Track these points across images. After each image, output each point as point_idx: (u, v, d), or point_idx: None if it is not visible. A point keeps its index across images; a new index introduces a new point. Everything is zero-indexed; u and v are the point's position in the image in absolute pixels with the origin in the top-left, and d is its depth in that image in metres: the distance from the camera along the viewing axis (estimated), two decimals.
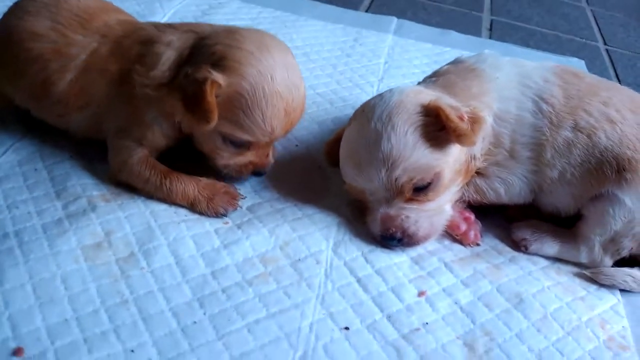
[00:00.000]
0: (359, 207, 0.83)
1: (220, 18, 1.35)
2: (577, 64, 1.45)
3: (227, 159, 0.82)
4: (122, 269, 0.70)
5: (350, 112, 1.07)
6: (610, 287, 0.80)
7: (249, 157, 0.82)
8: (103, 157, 0.84)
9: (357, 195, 0.81)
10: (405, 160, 0.73)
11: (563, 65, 0.88)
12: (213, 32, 0.79)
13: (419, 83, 0.89)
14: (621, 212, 0.76)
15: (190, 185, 0.80)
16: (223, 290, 0.70)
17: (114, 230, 0.74)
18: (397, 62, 1.31)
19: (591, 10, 1.90)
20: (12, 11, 0.89)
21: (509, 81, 0.82)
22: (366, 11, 1.58)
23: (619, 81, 1.44)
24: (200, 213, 0.79)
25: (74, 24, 0.83)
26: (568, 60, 1.46)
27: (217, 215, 0.80)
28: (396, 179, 0.74)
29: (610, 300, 0.78)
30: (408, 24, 1.51)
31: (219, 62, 0.73)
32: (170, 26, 0.82)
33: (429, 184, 0.75)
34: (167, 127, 0.81)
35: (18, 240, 0.71)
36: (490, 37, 1.56)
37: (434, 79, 0.86)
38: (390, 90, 0.80)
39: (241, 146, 0.80)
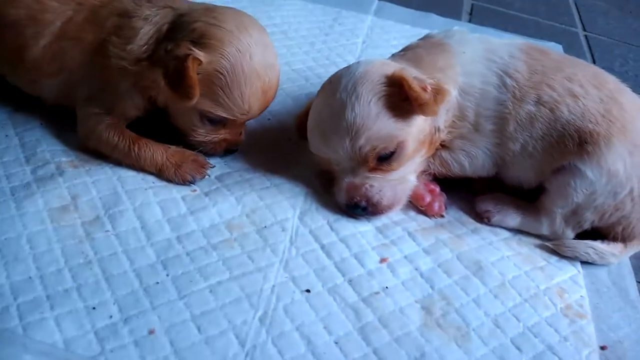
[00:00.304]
0: (327, 178, 0.84)
1: None
2: (554, 48, 1.47)
3: (202, 136, 0.83)
4: (87, 231, 0.71)
5: None
6: (571, 258, 0.82)
7: (223, 134, 0.83)
8: (73, 125, 0.85)
9: (324, 166, 0.83)
10: (368, 129, 0.75)
11: (531, 43, 0.89)
12: (191, 9, 0.79)
13: (389, 58, 0.90)
14: (583, 184, 0.78)
15: (159, 152, 0.81)
16: (187, 254, 0.71)
17: (80, 195, 0.75)
18: (375, 42, 1.32)
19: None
20: None
21: (475, 56, 0.84)
22: None
23: (595, 64, 1.46)
24: (168, 180, 0.80)
25: None
26: (545, 45, 1.47)
27: (185, 182, 0.81)
28: (360, 148, 0.75)
29: (570, 271, 0.80)
30: (389, 5, 1.51)
31: (200, 40, 0.74)
32: (147, 0, 0.82)
33: (392, 153, 0.77)
34: (139, 99, 0.81)
35: None
36: (470, 21, 1.57)
37: (402, 52, 0.88)
38: (358, 62, 0.82)
39: (217, 123, 0.81)
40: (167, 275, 0.68)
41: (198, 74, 0.74)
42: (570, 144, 0.78)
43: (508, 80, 0.81)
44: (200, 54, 0.73)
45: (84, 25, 0.82)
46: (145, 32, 0.78)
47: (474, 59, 0.83)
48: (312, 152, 0.83)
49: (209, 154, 0.86)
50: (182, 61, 0.73)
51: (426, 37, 0.90)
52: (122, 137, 0.80)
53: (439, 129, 0.82)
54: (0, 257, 0.65)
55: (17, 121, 0.87)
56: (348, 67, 0.81)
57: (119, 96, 0.81)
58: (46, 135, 0.85)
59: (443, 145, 0.84)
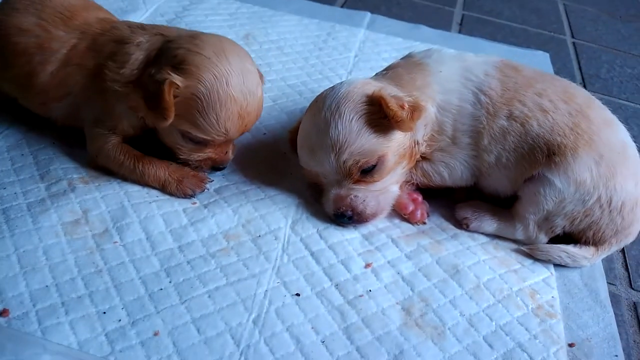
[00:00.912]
0: (316, 189, 0.91)
1: (199, 13, 1.42)
2: (542, 57, 1.53)
3: (187, 154, 0.89)
4: (97, 242, 0.78)
5: None
6: (545, 262, 0.88)
7: (207, 153, 0.89)
8: (82, 144, 0.92)
9: (312, 179, 0.90)
10: (351, 145, 0.81)
11: (506, 59, 0.95)
12: (178, 36, 0.86)
13: (372, 77, 0.97)
14: (552, 192, 0.84)
15: (161, 169, 0.88)
16: (188, 262, 0.78)
17: (90, 209, 0.83)
18: (366, 56, 1.38)
19: (564, 4, 1.97)
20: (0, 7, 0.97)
21: (452, 75, 0.90)
22: (342, 7, 1.65)
23: (581, 72, 1.52)
24: (170, 194, 0.88)
25: (57, 20, 0.91)
26: (533, 53, 1.54)
27: (186, 196, 0.88)
28: (344, 162, 0.82)
29: (543, 273, 0.87)
30: (381, 19, 1.58)
31: (179, 65, 0.81)
32: (142, 27, 0.90)
33: (374, 166, 0.83)
34: (134, 119, 0.88)
35: (5, 217, 0.79)
36: (459, 32, 1.63)
37: (384, 72, 0.94)
38: (342, 82, 0.88)
39: (199, 143, 0.87)
40: (170, 282, 0.75)
41: (176, 97, 0.80)
42: (540, 156, 0.84)
43: (482, 98, 0.88)
44: (178, 79, 0.79)
45: (86, 52, 0.90)
46: (136, 57, 0.85)
47: (451, 78, 0.90)
48: (302, 166, 0.89)
49: (197, 170, 0.92)
50: (159, 84, 0.79)
51: (407, 57, 0.97)
52: (127, 156, 0.88)
53: (418, 143, 0.88)
54: (19, 267, 0.73)
55: (30, 140, 0.94)
56: (332, 88, 0.88)
57: (117, 116, 0.88)
58: (58, 154, 0.92)
59: (424, 157, 0.91)
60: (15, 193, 0.83)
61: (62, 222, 0.80)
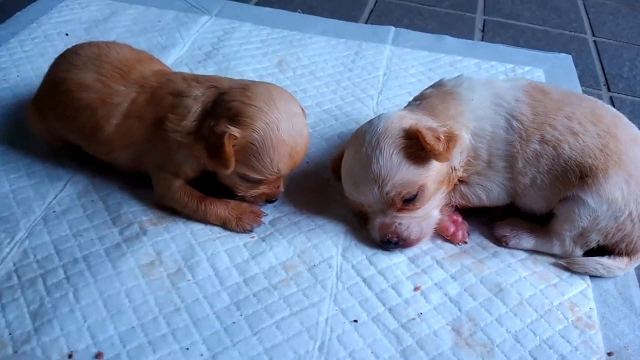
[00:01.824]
0: (362, 216, 0.98)
1: (234, 43, 1.49)
2: (565, 59, 1.57)
3: (244, 192, 0.97)
4: (172, 282, 0.86)
5: (353, 126, 1.22)
6: (582, 274, 0.94)
7: (262, 189, 0.97)
8: (146, 186, 1.00)
9: (357, 208, 0.97)
10: (392, 178, 0.88)
11: (534, 82, 1.01)
12: (230, 87, 0.93)
13: (405, 107, 1.03)
14: (586, 211, 0.90)
15: (222, 207, 0.96)
16: (254, 295, 0.86)
17: (162, 250, 0.91)
18: (394, 73, 1.44)
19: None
20: (58, 64, 1.06)
21: (484, 102, 0.96)
22: (366, 22, 1.70)
23: (604, 73, 1.55)
24: (231, 230, 0.96)
25: (115, 75, 0.99)
26: (555, 57, 1.58)
27: (245, 231, 0.96)
28: (387, 194, 0.89)
29: (580, 285, 0.92)
30: (404, 32, 1.63)
31: (235, 117, 0.88)
32: (196, 80, 0.97)
33: (415, 195, 0.90)
34: (195, 164, 0.96)
35: (86, 264, 0.87)
36: (482, 38, 1.68)
37: (418, 102, 1.00)
38: (379, 117, 0.95)
39: (254, 182, 0.95)
40: (241, 315, 0.83)
41: (234, 146, 0.88)
42: (573, 178, 0.90)
43: (514, 123, 0.93)
44: (235, 130, 0.87)
45: (145, 105, 0.97)
46: (194, 110, 0.93)
47: (483, 105, 0.96)
48: (347, 197, 0.96)
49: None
50: (220, 137, 0.87)
51: (438, 85, 1.02)
52: (190, 197, 0.96)
53: (455, 169, 0.95)
54: (106, 311, 0.81)
55: (98, 186, 1.02)
56: (371, 123, 0.94)
57: (178, 163, 0.96)
58: (125, 197, 1.00)
59: (462, 181, 0.97)
60: (91, 239, 0.92)
61: (139, 265, 0.88)
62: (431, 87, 1.04)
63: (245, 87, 0.93)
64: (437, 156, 0.87)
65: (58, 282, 0.85)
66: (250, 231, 0.96)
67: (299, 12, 1.70)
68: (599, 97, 1.45)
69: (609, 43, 1.71)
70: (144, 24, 1.55)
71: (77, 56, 1.04)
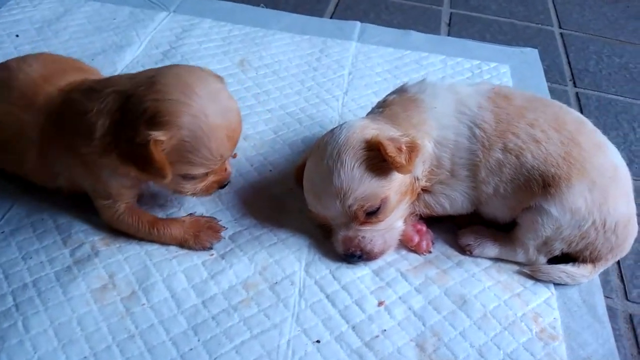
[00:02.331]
0: (325, 228, 0.96)
1: (193, 42, 1.44)
2: (531, 54, 1.56)
3: (192, 189, 0.89)
4: (126, 306, 0.83)
5: (317, 130, 1.20)
6: (546, 282, 0.93)
7: (210, 179, 0.90)
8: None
9: (321, 221, 0.94)
10: (354, 191, 0.86)
11: (497, 87, 0.98)
12: (135, 85, 0.81)
13: (368, 114, 1.01)
14: (549, 221, 0.89)
15: (176, 228, 0.92)
16: (213, 318, 0.83)
17: (116, 272, 0.87)
18: (360, 72, 1.41)
19: None
20: None
21: (446, 109, 0.93)
22: (331, 16, 1.66)
23: (570, 67, 1.55)
24: (189, 249, 0.92)
25: (22, 103, 0.90)
26: (522, 51, 1.56)
27: (205, 249, 0.92)
28: (349, 207, 0.87)
29: (545, 294, 0.92)
30: (370, 27, 1.59)
31: (154, 120, 0.78)
32: (92, 89, 0.85)
33: (378, 208, 0.88)
34: (126, 182, 0.89)
35: (36, 290, 0.83)
36: (448, 33, 1.65)
37: (381, 109, 0.97)
38: (340, 126, 0.92)
39: (200, 177, 0.88)
40: (199, 340, 0.80)
41: (163, 150, 0.79)
42: (536, 188, 0.89)
43: (477, 131, 0.91)
44: (159, 134, 0.77)
45: (56, 132, 0.88)
46: (100, 125, 0.81)
47: (446, 112, 0.93)
48: (310, 210, 0.94)
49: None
50: (144, 147, 0.77)
51: (401, 92, 0.99)
52: (140, 222, 0.91)
53: (418, 179, 0.92)
54: (57, 340, 0.78)
55: (48, 203, 0.97)
56: (332, 133, 0.91)
57: (109, 185, 0.89)
58: (76, 215, 0.96)
59: (425, 190, 0.95)
60: (41, 262, 0.88)
61: (91, 290, 0.84)
62: (394, 92, 1.02)
63: (151, 81, 0.81)
64: (399, 169, 0.85)
65: (6, 310, 0.81)
66: (210, 248, 0.93)
67: (262, 7, 1.65)
68: (565, 93, 1.44)
69: (576, 35, 1.71)
70: (99, 22, 1.48)
71: None
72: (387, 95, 1.03)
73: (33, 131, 0.89)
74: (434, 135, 0.92)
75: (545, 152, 0.89)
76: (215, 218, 0.97)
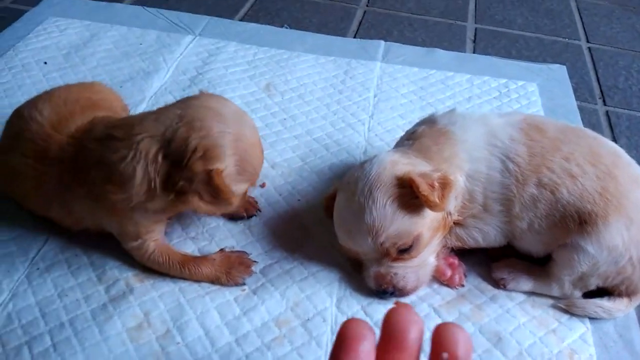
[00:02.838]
0: (356, 262, 0.95)
1: (219, 66, 1.44)
2: (559, 71, 1.53)
3: (237, 203, 0.93)
4: (161, 345, 0.84)
5: (344, 156, 1.20)
6: (581, 316, 0.92)
7: (245, 194, 0.96)
8: None
9: (352, 255, 0.94)
10: (386, 229, 0.85)
11: (529, 117, 0.97)
12: (167, 128, 0.83)
13: (396, 144, 1.00)
14: (585, 258, 0.87)
15: (207, 266, 0.92)
16: (246, 356, 0.83)
17: (150, 310, 0.88)
18: (385, 94, 1.40)
19: (575, 1, 1.94)
20: None
21: (478, 142, 0.93)
22: (355, 35, 1.66)
23: (599, 84, 1.52)
24: (222, 285, 0.93)
25: (36, 155, 0.91)
26: (549, 68, 1.54)
27: (237, 284, 0.93)
28: (381, 244, 0.86)
29: (580, 329, 0.90)
30: (395, 47, 1.58)
31: (207, 155, 0.82)
32: (112, 138, 0.85)
33: (411, 245, 0.87)
34: (158, 217, 0.90)
35: (73, 329, 0.84)
36: (474, 49, 1.63)
37: (410, 142, 0.97)
38: (370, 161, 0.91)
39: (242, 193, 0.92)
40: None
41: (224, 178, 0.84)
42: (572, 225, 0.87)
43: (510, 165, 0.90)
44: (217, 165, 0.82)
45: (73, 182, 0.89)
46: (140, 171, 0.83)
47: (478, 145, 0.92)
48: (341, 244, 0.94)
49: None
50: (210, 180, 0.82)
51: (431, 122, 0.98)
52: (170, 261, 0.92)
53: (450, 213, 0.92)
54: None
55: (81, 238, 0.98)
56: (362, 168, 0.91)
57: (139, 223, 0.89)
58: (109, 250, 0.96)
59: (457, 223, 0.94)
60: (77, 300, 0.89)
61: (126, 329, 0.85)
62: (423, 123, 1.01)
63: (187, 121, 0.83)
64: (432, 207, 0.84)
65: (45, 350, 0.82)
66: (243, 284, 0.93)
67: (286, 27, 1.65)
68: (595, 112, 1.42)
69: (604, 50, 1.68)
70: (126, 47, 1.50)
71: (6, 133, 0.99)
72: (415, 126, 1.03)
73: (51, 181, 0.90)
74: (465, 168, 0.92)
75: (581, 188, 0.87)
76: (245, 252, 0.98)
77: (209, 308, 0.89)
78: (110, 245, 0.97)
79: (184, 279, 0.93)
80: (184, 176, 0.82)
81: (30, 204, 0.98)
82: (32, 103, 0.99)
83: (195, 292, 0.91)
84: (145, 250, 0.91)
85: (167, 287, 0.92)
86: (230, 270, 0.93)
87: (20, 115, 0.97)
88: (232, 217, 1.04)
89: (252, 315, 0.89)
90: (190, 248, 0.98)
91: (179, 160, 0.82)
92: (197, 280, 0.93)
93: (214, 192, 0.83)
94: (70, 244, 0.98)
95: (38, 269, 0.93)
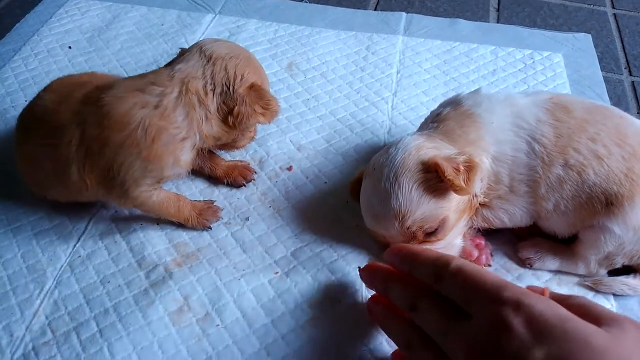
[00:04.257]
0: (384, 245, 0.98)
1: (242, 44, 1.44)
2: (585, 40, 1.51)
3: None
4: (202, 328, 0.88)
5: (369, 137, 1.21)
6: (607, 294, 0.94)
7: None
8: (166, 222, 1.02)
9: (379, 238, 0.96)
10: (413, 214, 0.87)
11: (556, 97, 0.97)
12: (208, 68, 0.96)
13: (421, 125, 1.02)
14: (612, 239, 0.89)
15: (188, 209, 1.01)
16: (282, 338, 0.87)
17: (190, 294, 0.92)
18: (408, 70, 1.40)
19: None
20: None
21: (504, 124, 0.93)
22: (376, 7, 1.64)
23: (625, 53, 1.49)
24: (192, 228, 1.02)
25: (47, 131, 0.94)
26: (575, 37, 1.51)
27: (205, 228, 1.02)
28: (408, 228, 0.89)
29: (605, 306, 0.92)
30: (417, 19, 1.57)
31: (245, 78, 0.97)
32: (152, 84, 0.93)
33: (437, 228, 0.89)
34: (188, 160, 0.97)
35: (117, 315, 0.89)
36: (498, 19, 1.61)
37: (435, 125, 0.98)
38: (395, 146, 0.92)
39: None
40: None
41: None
42: (599, 206, 0.88)
43: (537, 147, 0.91)
44: (250, 79, 0.98)
45: (97, 133, 0.91)
46: (197, 107, 0.94)
47: (504, 127, 0.93)
48: (369, 229, 0.96)
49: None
50: (259, 93, 0.97)
51: (456, 104, 0.99)
52: (170, 200, 1.00)
53: (476, 195, 0.93)
54: None
55: (119, 225, 1.03)
56: (388, 154, 0.92)
57: (169, 168, 0.94)
58: (148, 236, 1.01)
59: (484, 205, 0.96)
60: (119, 286, 0.93)
61: (168, 313, 0.89)
62: (448, 104, 1.01)
63: (214, 59, 0.96)
64: (458, 192, 0.86)
65: (92, 336, 0.87)
66: (210, 228, 1.02)
67: (306, 2, 1.64)
68: (621, 83, 1.40)
69: (630, 16, 1.64)
70: (148, 28, 1.51)
71: (18, 127, 1.02)
72: (440, 107, 1.03)
73: (69, 150, 0.91)
74: (491, 151, 0.92)
75: (608, 169, 0.88)
76: (212, 201, 1.07)
77: (245, 291, 0.93)
78: (149, 233, 1.02)
79: (167, 218, 1.01)
80: (238, 101, 0.95)
81: (52, 189, 0.99)
82: (37, 97, 1.03)
83: (231, 275, 0.95)
84: (151, 195, 0.96)
85: (204, 271, 0.95)
86: (201, 213, 1.02)
87: (27, 108, 1.02)
88: (233, 185, 1.11)
89: (286, 297, 0.93)
90: (224, 233, 1.02)
91: (226, 90, 0.95)
92: (175, 219, 1.01)
93: (265, 103, 0.97)
94: (109, 231, 1.02)
95: (80, 256, 0.98)
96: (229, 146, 1.07)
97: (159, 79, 0.94)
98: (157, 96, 0.92)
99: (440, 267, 0.72)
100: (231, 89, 0.95)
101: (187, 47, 1.00)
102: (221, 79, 0.95)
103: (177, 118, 0.92)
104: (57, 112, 0.94)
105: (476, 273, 0.68)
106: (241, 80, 0.96)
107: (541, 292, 0.71)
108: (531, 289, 0.70)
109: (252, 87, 0.96)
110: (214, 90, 0.95)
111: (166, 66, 0.99)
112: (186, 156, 0.95)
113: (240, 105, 0.95)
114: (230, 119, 0.96)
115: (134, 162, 0.91)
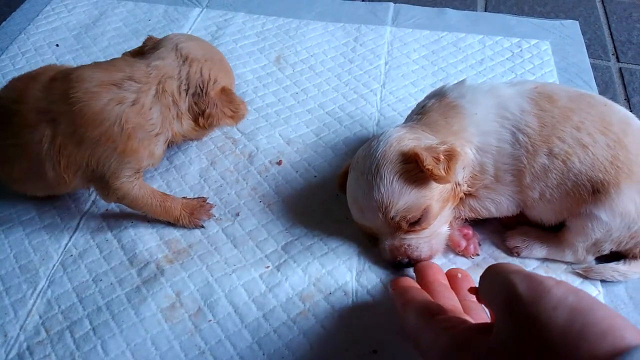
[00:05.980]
0: (372, 237, 0.99)
1: (229, 40, 1.44)
2: (572, 27, 1.51)
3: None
4: (194, 323, 0.89)
5: (358, 129, 1.21)
6: (593, 279, 0.95)
7: None
8: (157, 220, 1.02)
9: (367, 231, 0.97)
10: (395, 204, 0.88)
11: (540, 86, 0.97)
12: (184, 68, 0.99)
13: (407, 118, 1.02)
14: (599, 225, 0.90)
15: (177, 208, 1.01)
16: (274, 331, 0.88)
17: (181, 290, 0.93)
18: (396, 60, 1.40)
19: None
20: None
21: (488, 115, 0.94)
22: None
23: (612, 40, 1.50)
24: (183, 226, 1.02)
25: (13, 131, 0.93)
26: (562, 24, 1.52)
27: (197, 226, 1.02)
28: (392, 219, 0.89)
29: (592, 292, 0.93)
30: (405, 8, 1.57)
31: (218, 80, 1.02)
32: (129, 79, 0.94)
33: (420, 217, 0.90)
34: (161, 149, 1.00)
35: (110, 312, 0.90)
36: (485, 7, 1.61)
37: (419, 116, 0.98)
38: (377, 139, 0.93)
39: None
40: (263, 354, 0.85)
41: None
42: (585, 194, 0.89)
43: (521, 137, 0.92)
44: (222, 85, 1.03)
45: (71, 130, 0.91)
46: (170, 105, 0.98)
47: (487, 118, 0.94)
48: (355, 221, 0.97)
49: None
50: (229, 97, 1.02)
51: (440, 96, 0.99)
52: (153, 196, 1.00)
53: (459, 184, 0.94)
54: None
55: (110, 223, 1.03)
56: (369, 147, 0.93)
57: (142, 158, 0.96)
58: (138, 234, 1.01)
59: (470, 194, 0.97)
60: (111, 284, 0.94)
61: (161, 309, 0.90)
62: (433, 96, 1.02)
63: (189, 59, 1.00)
64: (438, 180, 0.87)
65: (85, 334, 0.88)
66: (202, 226, 1.02)
67: None
68: (608, 69, 1.41)
69: (618, 2, 1.64)
70: (134, 24, 1.51)
71: None
72: (425, 99, 1.04)
73: (40, 146, 0.91)
74: (475, 142, 0.93)
75: (592, 157, 0.89)
76: (204, 198, 1.07)
77: (236, 285, 0.94)
78: (140, 230, 1.02)
79: (152, 215, 1.02)
80: (209, 104, 1.00)
81: (30, 184, 1.00)
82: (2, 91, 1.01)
83: (222, 270, 0.96)
84: (133, 185, 0.97)
85: (195, 267, 0.96)
86: (193, 212, 1.02)
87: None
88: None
89: (277, 291, 0.94)
90: (214, 229, 1.03)
91: (199, 92, 1.00)
92: (164, 218, 1.02)
93: (235, 107, 1.02)
94: (100, 229, 1.03)
95: (71, 255, 0.99)
96: (191, 139, 1.11)
97: (136, 74, 0.95)
98: (134, 92, 0.94)
99: None
100: (204, 91, 0.99)
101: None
102: (196, 81, 0.99)
103: (152, 115, 0.95)
104: (18, 111, 0.92)
105: None
106: (214, 83, 1.00)
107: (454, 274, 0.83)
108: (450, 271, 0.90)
109: (223, 91, 1.00)
110: (187, 91, 0.99)
111: (137, 56, 1.02)
112: (159, 149, 0.99)
113: (211, 107, 0.99)
114: (201, 120, 1.00)
115: (109, 155, 0.93)
